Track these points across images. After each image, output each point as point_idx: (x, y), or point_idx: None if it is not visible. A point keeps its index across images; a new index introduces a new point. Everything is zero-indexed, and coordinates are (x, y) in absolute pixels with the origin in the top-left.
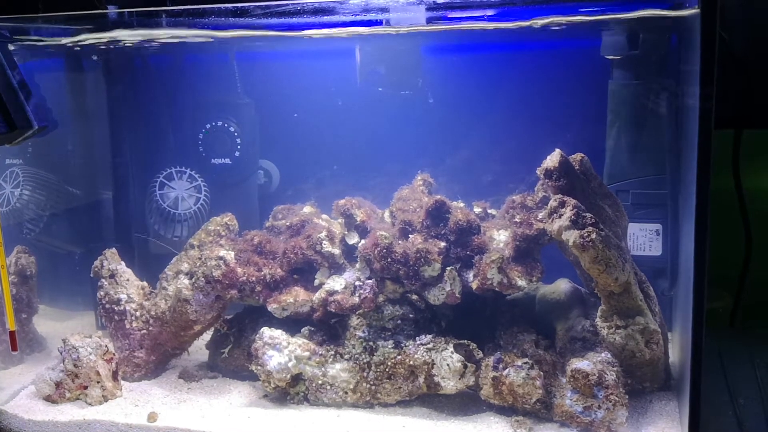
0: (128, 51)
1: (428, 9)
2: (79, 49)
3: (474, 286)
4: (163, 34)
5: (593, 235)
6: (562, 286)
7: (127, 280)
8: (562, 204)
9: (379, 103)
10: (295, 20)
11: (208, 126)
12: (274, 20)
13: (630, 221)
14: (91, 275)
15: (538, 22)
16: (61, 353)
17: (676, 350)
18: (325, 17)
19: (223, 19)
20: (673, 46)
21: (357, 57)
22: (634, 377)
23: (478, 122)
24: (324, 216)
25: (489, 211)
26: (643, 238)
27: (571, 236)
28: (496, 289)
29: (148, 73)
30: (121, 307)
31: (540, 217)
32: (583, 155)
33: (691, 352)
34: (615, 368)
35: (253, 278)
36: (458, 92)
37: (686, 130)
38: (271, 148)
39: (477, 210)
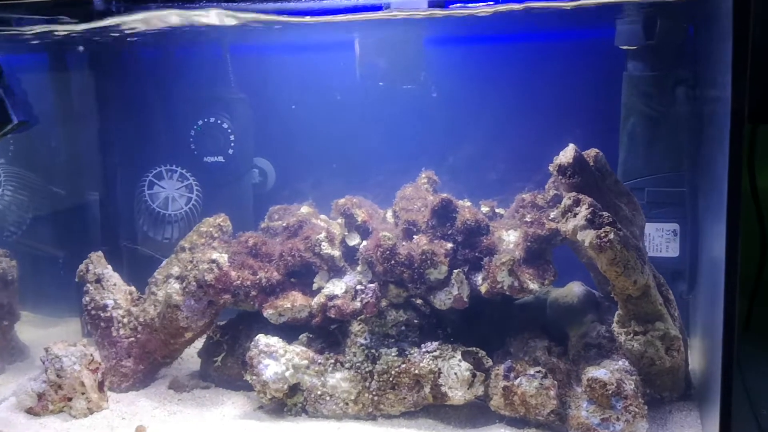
0: (116, 43)
1: None
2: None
3: (483, 289)
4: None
5: (611, 235)
6: (575, 289)
7: (114, 284)
8: (577, 202)
9: (379, 98)
10: (292, 5)
11: (200, 122)
12: (270, 5)
13: (646, 221)
14: (76, 280)
15: (547, 4)
16: (43, 363)
17: (696, 357)
18: (325, 1)
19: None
20: (690, 36)
21: (356, 49)
22: (653, 386)
23: (484, 118)
24: (322, 216)
25: (497, 210)
26: (660, 239)
27: (587, 236)
28: (507, 292)
29: (137, 66)
30: (108, 314)
31: (552, 216)
32: (597, 151)
33: (722, 361)
34: (633, 377)
35: (248, 282)
36: (463, 86)
37: (708, 123)
38: (266, 146)
39: (484, 209)
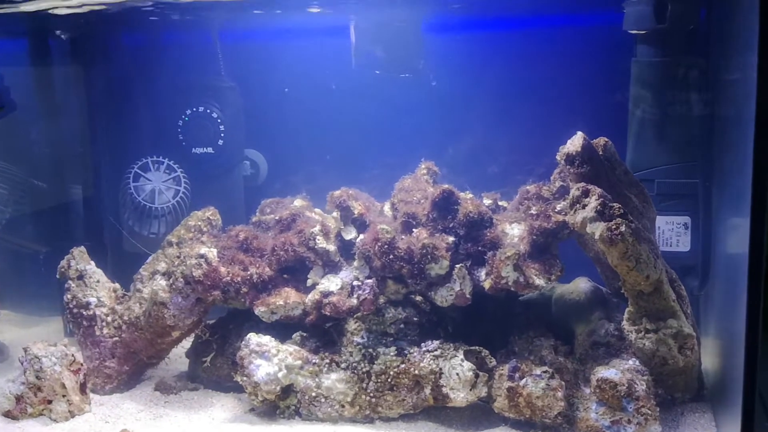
0: (100, 28)
1: None
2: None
3: (486, 285)
4: None
5: (622, 228)
6: (582, 285)
7: (97, 281)
8: (586, 193)
9: (376, 87)
10: None
11: (188, 112)
12: None
13: (656, 213)
14: (58, 276)
15: None
16: (22, 364)
17: (709, 356)
18: None
19: None
20: (702, 19)
21: (352, 36)
22: (665, 386)
23: (485, 108)
24: (317, 210)
25: (499, 203)
26: (670, 232)
27: (597, 229)
28: (512, 288)
29: (122, 53)
30: (91, 312)
31: (559, 208)
32: (606, 139)
33: (745, 362)
34: (645, 377)
35: (238, 278)
36: (464, 75)
37: (725, 110)
38: (257, 137)
39: (487, 202)
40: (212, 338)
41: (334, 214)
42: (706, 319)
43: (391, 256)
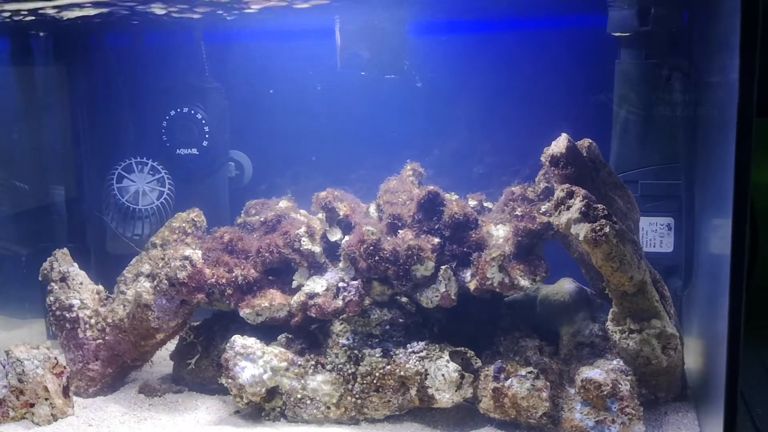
0: (83, 28)
1: None
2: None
3: (472, 286)
4: None
5: (606, 229)
6: (566, 286)
7: (80, 283)
8: (571, 194)
9: (361, 88)
10: None
11: (172, 112)
12: None
13: (640, 215)
14: (40, 278)
15: None
16: (3, 367)
17: (692, 356)
18: None
19: None
20: (685, 21)
21: (337, 37)
22: (648, 386)
23: (470, 109)
24: (302, 211)
25: (485, 204)
26: (653, 234)
27: (582, 230)
28: (497, 289)
29: (106, 53)
30: (74, 314)
31: (544, 209)
32: (591, 141)
33: (727, 362)
34: (629, 377)
35: (223, 280)
36: (449, 76)
37: (708, 112)
38: (242, 138)
39: (472, 203)
40: (197, 340)
41: (320, 215)
42: (689, 319)
43: (377, 258)
